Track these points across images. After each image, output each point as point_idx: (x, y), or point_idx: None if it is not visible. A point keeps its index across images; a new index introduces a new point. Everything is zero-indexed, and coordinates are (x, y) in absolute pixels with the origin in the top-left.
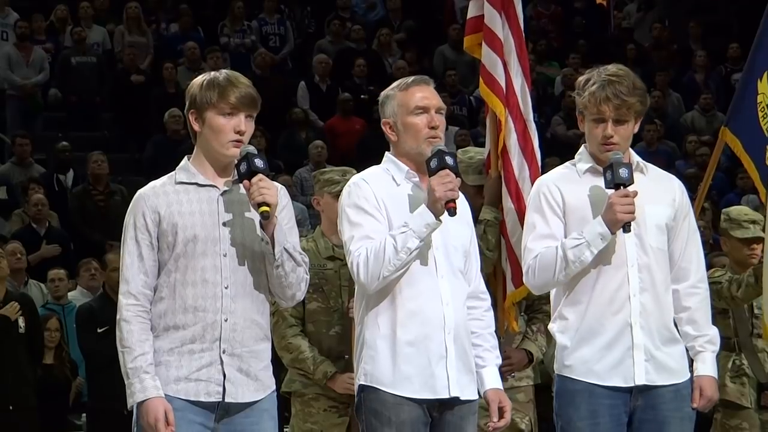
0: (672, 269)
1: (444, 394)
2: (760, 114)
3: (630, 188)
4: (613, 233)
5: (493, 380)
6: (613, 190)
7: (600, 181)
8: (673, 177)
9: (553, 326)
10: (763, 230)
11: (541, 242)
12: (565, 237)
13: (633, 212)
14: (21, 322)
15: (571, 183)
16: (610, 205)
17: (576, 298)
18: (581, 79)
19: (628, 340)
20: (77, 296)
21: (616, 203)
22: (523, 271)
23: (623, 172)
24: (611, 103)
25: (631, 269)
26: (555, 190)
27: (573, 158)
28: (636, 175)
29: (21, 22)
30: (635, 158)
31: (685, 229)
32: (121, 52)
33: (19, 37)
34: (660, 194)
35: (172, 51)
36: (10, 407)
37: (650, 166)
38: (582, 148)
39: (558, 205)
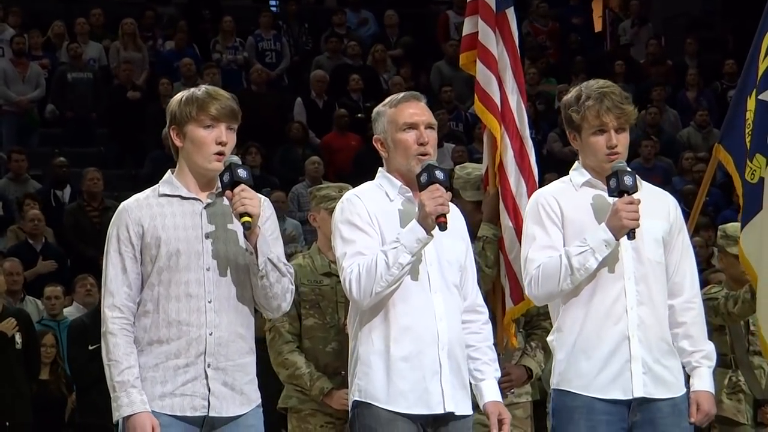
0: (666, 284)
1: (438, 410)
2: (747, 131)
3: (634, 196)
4: (618, 240)
5: (492, 393)
6: (616, 198)
7: (596, 193)
8: (667, 193)
9: (551, 339)
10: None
11: (542, 252)
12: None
13: (638, 219)
14: (18, 338)
15: (569, 196)
16: (616, 212)
17: (573, 311)
18: (570, 96)
19: (626, 352)
20: (73, 312)
21: (621, 209)
22: (525, 282)
23: (628, 179)
24: (612, 113)
25: (628, 282)
26: (553, 202)
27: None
28: None
29: (17, 37)
30: None
31: (679, 244)
32: (117, 68)
33: (16, 53)
34: (655, 208)
35: (168, 67)
36: (6, 423)
37: (644, 182)
38: (576, 163)
39: (557, 215)
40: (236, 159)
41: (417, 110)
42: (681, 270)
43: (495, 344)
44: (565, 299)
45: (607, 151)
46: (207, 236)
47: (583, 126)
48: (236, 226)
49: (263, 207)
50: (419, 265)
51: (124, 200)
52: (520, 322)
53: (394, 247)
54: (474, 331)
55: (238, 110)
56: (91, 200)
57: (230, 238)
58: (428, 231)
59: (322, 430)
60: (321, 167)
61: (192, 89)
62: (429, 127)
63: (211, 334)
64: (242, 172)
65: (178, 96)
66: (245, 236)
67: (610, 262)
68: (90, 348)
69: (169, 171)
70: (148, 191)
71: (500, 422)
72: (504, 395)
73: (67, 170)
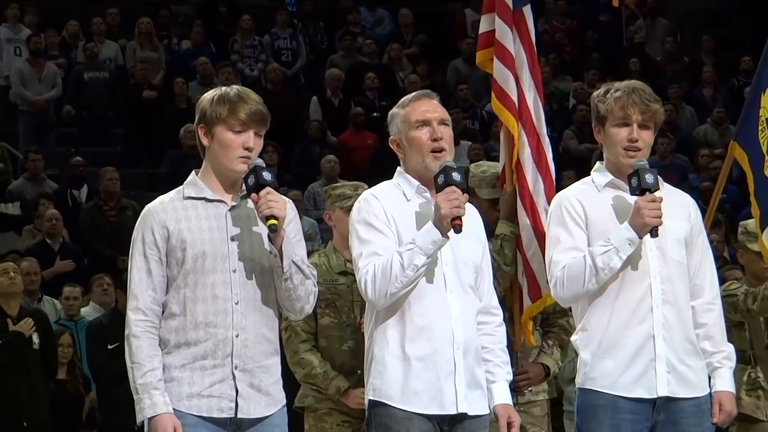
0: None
1: (452, 410)
2: (760, 127)
3: (656, 194)
4: (641, 238)
5: (502, 395)
6: (638, 196)
7: (618, 194)
8: (686, 194)
9: (575, 338)
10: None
11: (567, 254)
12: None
13: (660, 216)
14: (35, 338)
15: (591, 197)
16: (638, 210)
17: (598, 311)
18: (600, 90)
19: (651, 351)
20: (90, 312)
21: (643, 207)
22: (551, 284)
23: (649, 177)
24: (638, 107)
25: (654, 281)
26: (576, 204)
27: (588, 174)
28: None
29: (34, 37)
30: None
31: (700, 246)
32: (133, 68)
33: (32, 53)
34: (676, 209)
35: (184, 66)
36: (24, 423)
37: (664, 182)
38: (598, 164)
39: (580, 217)
40: (261, 162)
41: (429, 107)
42: (702, 271)
43: (511, 344)
44: (591, 299)
45: (626, 144)
46: (232, 238)
47: (607, 117)
48: (261, 229)
49: (287, 209)
50: (435, 266)
51: (140, 200)
52: (537, 319)
53: (410, 249)
54: (487, 333)
55: (268, 115)
56: (108, 200)
57: (255, 240)
58: (444, 233)
59: (339, 429)
60: (337, 166)
61: (224, 88)
62: (442, 123)
63: (237, 336)
64: (267, 175)
65: (210, 94)
66: (270, 239)
67: (635, 261)
68: (109, 347)
69: (193, 172)
70: (172, 193)
71: (509, 425)
72: (522, 393)
73: (84, 170)
